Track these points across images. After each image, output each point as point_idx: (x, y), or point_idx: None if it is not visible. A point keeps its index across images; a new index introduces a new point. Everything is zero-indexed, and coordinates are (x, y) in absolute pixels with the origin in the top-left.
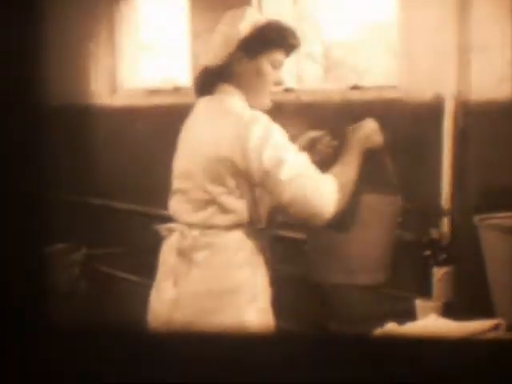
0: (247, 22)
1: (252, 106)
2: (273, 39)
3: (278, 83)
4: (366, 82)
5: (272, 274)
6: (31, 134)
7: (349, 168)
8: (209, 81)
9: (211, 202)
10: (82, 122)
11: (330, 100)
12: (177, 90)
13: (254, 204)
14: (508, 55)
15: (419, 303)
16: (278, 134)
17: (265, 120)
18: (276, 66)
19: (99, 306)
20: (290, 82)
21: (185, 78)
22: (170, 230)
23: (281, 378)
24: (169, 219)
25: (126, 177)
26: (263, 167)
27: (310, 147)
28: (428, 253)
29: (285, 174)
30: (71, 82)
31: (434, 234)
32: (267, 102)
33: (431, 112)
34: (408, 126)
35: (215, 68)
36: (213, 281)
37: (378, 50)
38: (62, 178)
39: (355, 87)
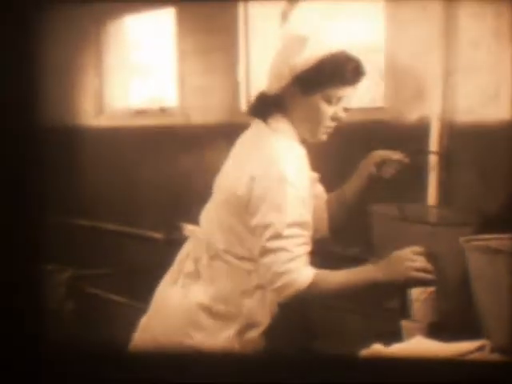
0: (304, 55)
1: (305, 139)
2: (330, 77)
3: (335, 119)
4: (353, 103)
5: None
6: (18, 155)
7: (343, 284)
8: (264, 106)
9: (230, 230)
10: (69, 142)
11: None
12: (163, 110)
13: None
14: (493, 77)
15: (405, 324)
16: (284, 195)
17: (277, 174)
18: (333, 102)
19: (86, 326)
20: None
21: (172, 99)
22: (192, 233)
23: None
24: (155, 240)
25: (113, 198)
26: (255, 223)
27: (379, 165)
28: None
29: (272, 242)
30: (58, 103)
31: None
32: (322, 136)
33: (417, 133)
34: (394, 148)
35: (270, 96)
36: (214, 300)
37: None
38: (48, 199)
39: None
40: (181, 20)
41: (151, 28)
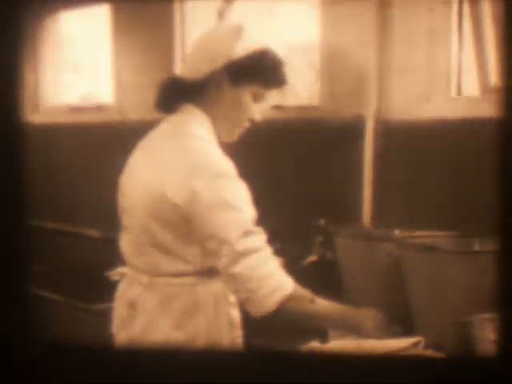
0: (243, 43)
1: (217, 136)
2: (265, 71)
3: (253, 119)
4: (289, 101)
5: (241, 315)
6: None
7: (323, 312)
8: (174, 95)
9: (157, 246)
10: (2, 139)
11: None
12: (99, 107)
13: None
14: (427, 76)
15: None
16: (233, 193)
17: (217, 172)
18: (258, 99)
19: (22, 324)
20: None
21: (108, 95)
22: (122, 275)
23: None
24: (92, 238)
25: (48, 195)
26: (211, 231)
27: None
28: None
29: (243, 241)
30: None
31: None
32: (235, 135)
33: (352, 132)
34: (330, 146)
35: (189, 82)
36: (164, 332)
37: (301, 70)
38: None
39: (278, 107)
40: (116, 16)
41: (87, 24)
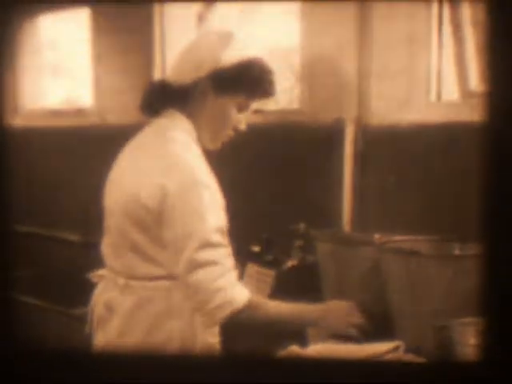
0: (231, 52)
1: (201, 143)
2: (251, 82)
3: (238, 129)
4: (268, 105)
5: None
6: None
7: (280, 315)
8: (160, 99)
9: (132, 249)
10: None
11: None
12: (79, 111)
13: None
14: (407, 81)
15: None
16: (201, 199)
17: (190, 179)
18: (242, 109)
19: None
20: None
21: (87, 99)
22: (101, 277)
23: None
24: (71, 242)
25: (28, 199)
26: (173, 235)
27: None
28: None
29: (201, 252)
30: None
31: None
32: (219, 143)
33: (332, 136)
34: (309, 150)
35: (174, 87)
36: (138, 335)
37: (281, 74)
38: None
39: (258, 111)
40: (96, 20)
41: (66, 28)
